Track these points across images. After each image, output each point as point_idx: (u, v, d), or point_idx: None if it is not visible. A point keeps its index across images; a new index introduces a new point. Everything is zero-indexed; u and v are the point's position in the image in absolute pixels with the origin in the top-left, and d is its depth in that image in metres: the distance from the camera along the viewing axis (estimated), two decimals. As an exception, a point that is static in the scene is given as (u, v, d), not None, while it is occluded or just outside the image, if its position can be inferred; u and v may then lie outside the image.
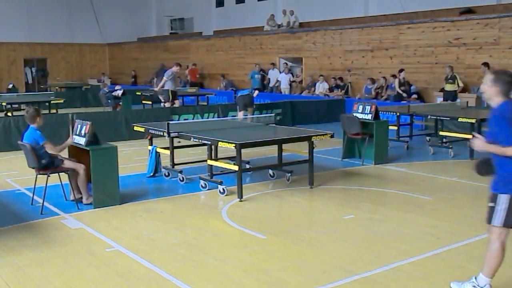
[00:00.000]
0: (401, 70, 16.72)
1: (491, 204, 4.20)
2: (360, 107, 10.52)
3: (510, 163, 4.06)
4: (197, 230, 6.42)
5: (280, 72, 21.49)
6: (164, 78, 15.23)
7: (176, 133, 8.42)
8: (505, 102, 4.12)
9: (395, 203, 7.55)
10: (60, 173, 7.33)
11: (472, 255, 5.44)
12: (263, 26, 24.23)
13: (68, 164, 7.28)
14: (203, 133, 8.28)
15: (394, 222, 6.61)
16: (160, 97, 15.65)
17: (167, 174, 9.12)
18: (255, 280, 4.90)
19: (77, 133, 7.49)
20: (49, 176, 7.08)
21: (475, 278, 4.37)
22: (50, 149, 7.05)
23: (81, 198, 7.39)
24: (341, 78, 19.28)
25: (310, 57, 20.93)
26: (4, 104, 16.47)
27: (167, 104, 15.28)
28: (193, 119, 14.14)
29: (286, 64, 21.82)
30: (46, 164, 7.08)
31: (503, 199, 4.12)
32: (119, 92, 18.81)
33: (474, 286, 4.34)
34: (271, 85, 21.63)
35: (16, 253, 5.61)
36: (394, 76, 17.05)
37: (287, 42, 21.94)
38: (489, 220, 4.22)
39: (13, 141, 10.58)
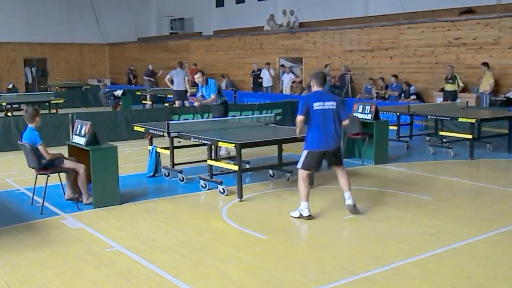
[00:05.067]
0: None
1: None
2: (360, 107, 10.52)
3: None
4: (197, 230, 6.42)
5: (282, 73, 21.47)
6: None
7: (176, 133, 8.42)
8: None
9: (395, 203, 7.54)
10: (60, 173, 7.33)
11: (472, 255, 5.44)
12: (263, 26, 24.20)
13: (68, 164, 7.28)
14: (203, 133, 8.29)
15: (394, 222, 6.61)
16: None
17: (167, 174, 9.12)
18: (255, 280, 4.90)
19: (77, 133, 7.49)
20: (49, 176, 7.08)
21: None
22: (42, 151, 7.03)
23: (78, 197, 7.39)
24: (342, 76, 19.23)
25: (310, 57, 20.91)
26: (4, 104, 16.45)
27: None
28: (193, 119, 14.14)
29: (286, 64, 21.79)
30: (46, 164, 7.08)
31: None
32: (119, 92, 18.81)
33: None
34: (265, 85, 21.47)
35: (16, 253, 5.61)
36: (395, 76, 17.04)
37: (287, 42, 21.92)
38: None
39: (13, 141, 10.58)
